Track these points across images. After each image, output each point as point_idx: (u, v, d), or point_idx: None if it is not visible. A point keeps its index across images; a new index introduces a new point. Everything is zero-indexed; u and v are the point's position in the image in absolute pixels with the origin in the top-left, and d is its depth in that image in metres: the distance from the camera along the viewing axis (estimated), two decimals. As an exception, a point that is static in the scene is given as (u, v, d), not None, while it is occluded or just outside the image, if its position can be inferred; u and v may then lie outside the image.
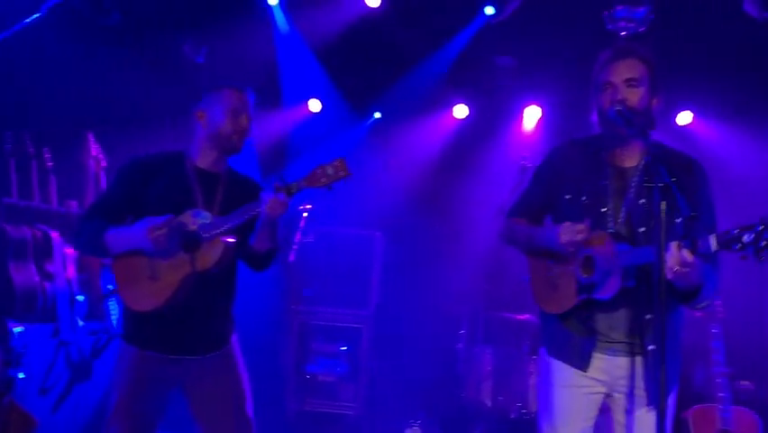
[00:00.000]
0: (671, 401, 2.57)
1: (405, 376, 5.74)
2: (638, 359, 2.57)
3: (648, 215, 2.55)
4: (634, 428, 2.60)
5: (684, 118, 5.96)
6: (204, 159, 2.92)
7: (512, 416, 5.06)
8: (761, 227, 2.21)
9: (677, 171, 2.44)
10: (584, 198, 2.66)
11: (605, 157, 2.69)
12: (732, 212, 2.89)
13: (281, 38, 5.84)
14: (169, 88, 4.95)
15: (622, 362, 2.60)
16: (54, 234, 4.26)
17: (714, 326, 4.27)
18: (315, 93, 6.41)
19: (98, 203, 2.96)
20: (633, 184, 2.62)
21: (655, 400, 2.41)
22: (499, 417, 5.11)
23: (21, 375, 3.73)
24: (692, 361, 4.88)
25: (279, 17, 5.74)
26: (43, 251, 4.21)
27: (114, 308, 4.38)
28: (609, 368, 2.61)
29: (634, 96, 2.58)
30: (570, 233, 2.56)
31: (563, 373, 2.66)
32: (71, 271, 4.29)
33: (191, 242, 2.70)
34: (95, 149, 4.59)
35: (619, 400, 2.64)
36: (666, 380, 2.26)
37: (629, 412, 2.61)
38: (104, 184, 4.59)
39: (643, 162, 2.63)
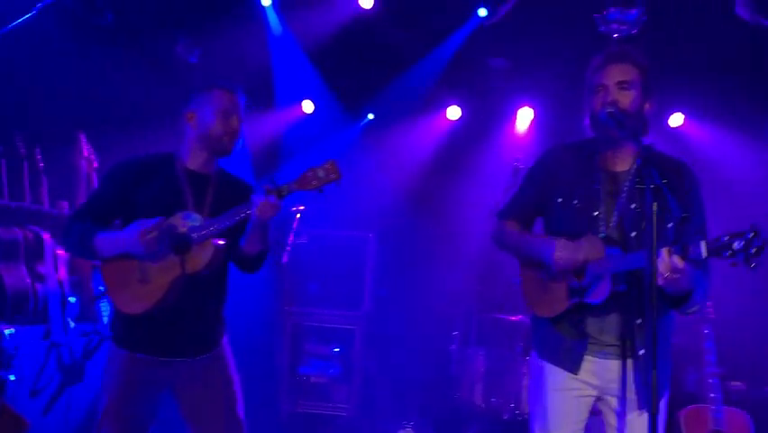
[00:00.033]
0: (662, 406, 2.57)
1: (398, 377, 5.74)
2: (629, 362, 2.58)
3: (640, 219, 2.56)
4: (625, 431, 2.60)
5: (676, 120, 5.99)
6: (194, 160, 2.90)
7: (505, 417, 5.06)
8: (751, 234, 2.22)
9: (668, 174, 2.46)
10: (576, 202, 2.66)
11: (597, 161, 2.69)
12: (723, 213, 2.90)
13: (274, 39, 5.83)
14: (162, 89, 4.93)
15: (613, 365, 2.60)
16: (46, 236, 4.24)
17: (705, 327, 4.29)
18: (308, 94, 6.41)
19: (88, 204, 2.93)
20: (625, 188, 2.62)
21: (647, 404, 2.42)
22: (492, 418, 5.11)
23: (12, 377, 3.72)
24: (684, 362, 4.90)
25: (273, 18, 5.73)
26: (35, 252, 4.18)
27: (105, 310, 4.36)
28: (600, 371, 2.62)
29: (625, 99, 2.59)
30: (566, 250, 2.56)
31: (555, 376, 2.66)
32: (63, 273, 4.27)
33: (181, 244, 2.68)
34: (87, 149, 4.57)
35: (611, 403, 2.64)
36: (657, 384, 2.26)
37: (620, 415, 2.61)
38: (96, 185, 4.57)
39: (635, 166, 2.63)
